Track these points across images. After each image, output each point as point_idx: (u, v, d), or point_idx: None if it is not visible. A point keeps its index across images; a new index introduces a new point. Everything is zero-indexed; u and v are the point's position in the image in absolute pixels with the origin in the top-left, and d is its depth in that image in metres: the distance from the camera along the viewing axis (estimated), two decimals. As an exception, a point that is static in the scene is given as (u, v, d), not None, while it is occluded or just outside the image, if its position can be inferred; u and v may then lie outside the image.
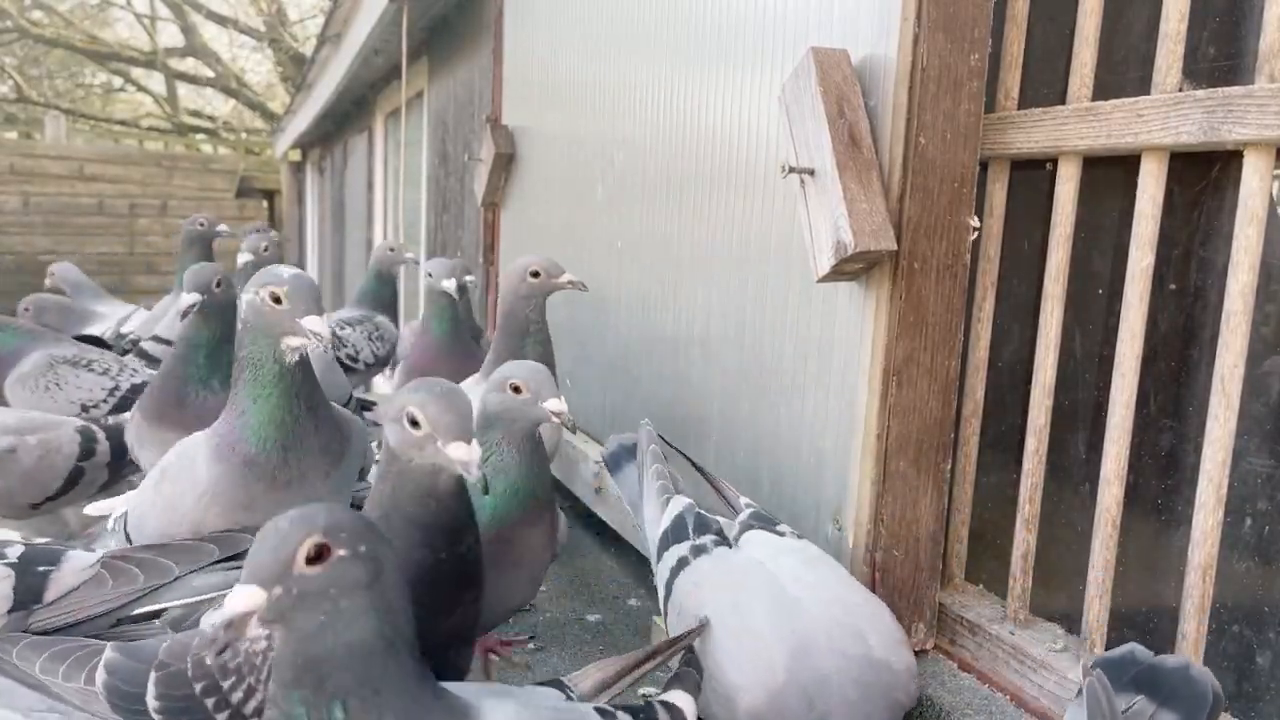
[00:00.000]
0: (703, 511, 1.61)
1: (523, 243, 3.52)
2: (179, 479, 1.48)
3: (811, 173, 1.56)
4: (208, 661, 1.17)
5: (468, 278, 3.73)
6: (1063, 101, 1.56)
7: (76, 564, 1.42)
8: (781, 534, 1.57)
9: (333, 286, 9.92)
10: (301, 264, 5.00)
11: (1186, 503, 1.41)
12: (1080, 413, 1.68)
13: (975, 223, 1.59)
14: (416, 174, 6.39)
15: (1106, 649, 1.50)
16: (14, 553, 1.42)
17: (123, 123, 18.70)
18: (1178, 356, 1.54)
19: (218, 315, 2.00)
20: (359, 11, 5.91)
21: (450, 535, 1.12)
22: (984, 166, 1.66)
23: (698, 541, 1.54)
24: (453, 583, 1.15)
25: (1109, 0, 1.53)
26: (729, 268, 2.02)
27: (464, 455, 1.03)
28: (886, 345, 1.57)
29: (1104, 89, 1.54)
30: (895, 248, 1.51)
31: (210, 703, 1.18)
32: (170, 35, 18.44)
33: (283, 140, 12.15)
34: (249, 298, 1.41)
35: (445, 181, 5.58)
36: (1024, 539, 1.61)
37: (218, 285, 1.98)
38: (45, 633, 1.36)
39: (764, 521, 1.61)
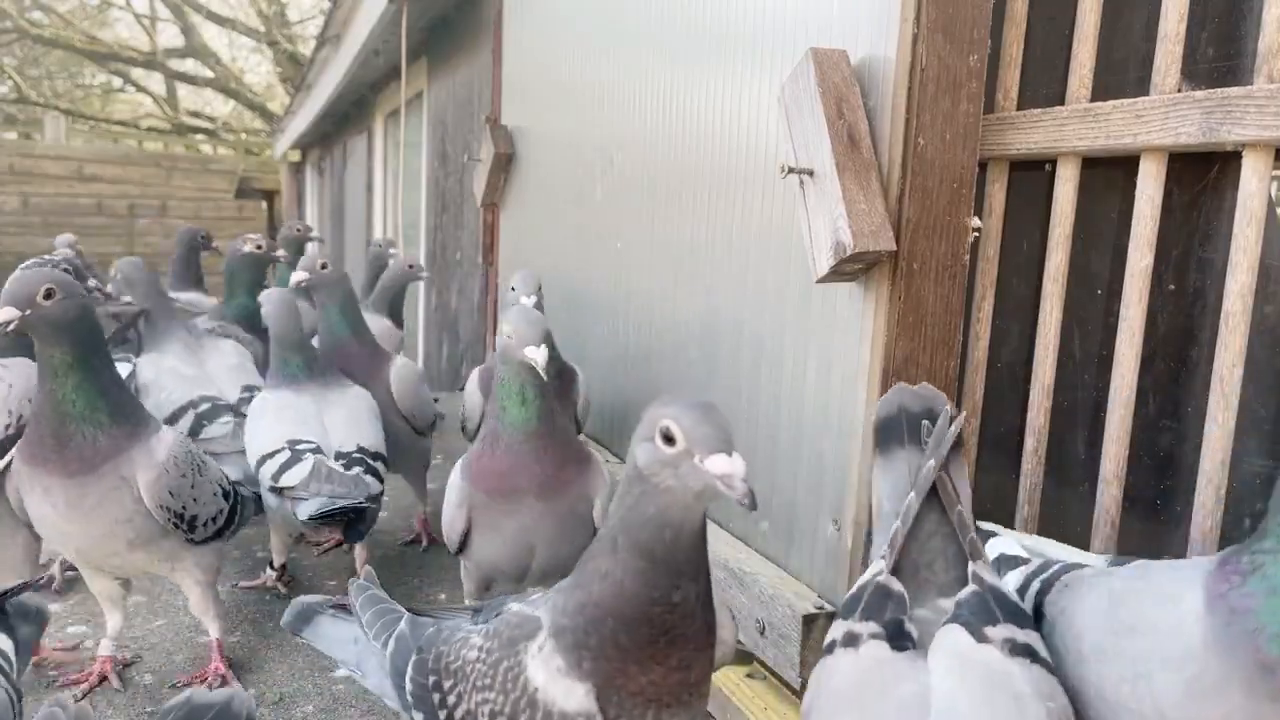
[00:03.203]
0: (889, 584, 1.16)
1: (522, 243, 3.52)
2: None
3: (811, 173, 1.56)
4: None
5: (392, 250, 3.59)
6: (1062, 102, 1.56)
7: None
8: (990, 640, 1.06)
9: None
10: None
11: (1186, 503, 1.41)
12: (1079, 413, 1.68)
13: (976, 223, 1.59)
14: (416, 174, 6.39)
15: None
16: None
17: (122, 123, 18.71)
18: (1176, 357, 1.54)
19: (52, 332, 1.67)
20: (359, 12, 5.92)
21: (673, 576, 1.01)
22: (983, 167, 1.66)
23: (853, 627, 1.14)
24: (661, 633, 1.03)
25: (1108, 0, 1.53)
26: (729, 268, 2.02)
27: (725, 468, 0.92)
28: (886, 345, 1.57)
29: (1103, 89, 1.54)
30: (894, 248, 1.51)
31: (435, 698, 1.23)
32: (170, 36, 18.46)
33: (282, 141, 12.16)
34: None
35: (445, 182, 5.58)
36: (1023, 539, 1.62)
37: (46, 297, 1.65)
38: None
39: (983, 616, 1.09)
